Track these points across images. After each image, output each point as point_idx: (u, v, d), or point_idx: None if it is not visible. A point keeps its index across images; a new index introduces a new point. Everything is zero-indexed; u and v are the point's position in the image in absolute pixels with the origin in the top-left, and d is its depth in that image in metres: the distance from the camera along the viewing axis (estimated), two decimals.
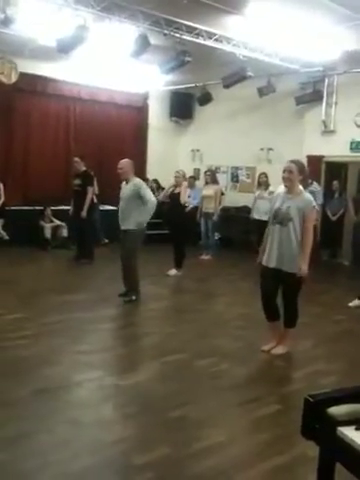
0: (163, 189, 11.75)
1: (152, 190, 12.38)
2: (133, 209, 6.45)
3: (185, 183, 9.76)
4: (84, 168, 9.13)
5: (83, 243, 9.11)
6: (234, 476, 2.89)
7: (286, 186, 4.68)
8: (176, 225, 8.40)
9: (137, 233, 6.51)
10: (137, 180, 6.66)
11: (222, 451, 3.14)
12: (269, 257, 4.74)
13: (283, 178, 4.67)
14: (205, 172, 10.84)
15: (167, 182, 12.00)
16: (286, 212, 4.60)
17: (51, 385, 3.95)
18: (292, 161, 4.70)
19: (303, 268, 4.59)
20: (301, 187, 4.77)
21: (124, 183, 6.68)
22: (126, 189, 6.58)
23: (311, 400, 2.12)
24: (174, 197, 8.46)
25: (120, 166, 6.61)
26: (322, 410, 2.07)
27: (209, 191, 10.09)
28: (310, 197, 4.79)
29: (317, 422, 2.10)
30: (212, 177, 10.38)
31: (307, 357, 4.94)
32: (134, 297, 6.57)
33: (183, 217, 8.32)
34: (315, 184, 9.06)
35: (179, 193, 8.33)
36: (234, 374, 4.41)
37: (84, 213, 8.88)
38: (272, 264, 4.71)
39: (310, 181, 8.84)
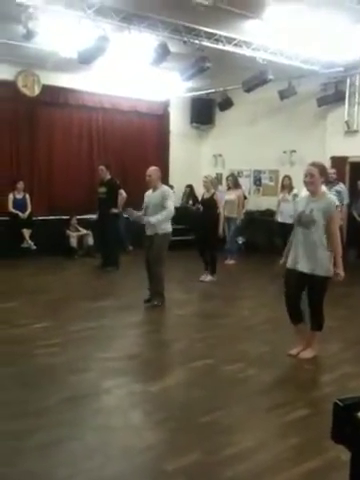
0: (195, 196, 11.90)
1: (185, 195, 12.57)
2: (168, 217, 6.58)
3: (220, 188, 9.90)
4: (109, 176, 9.22)
5: (108, 251, 9.18)
6: None
7: (309, 190, 4.66)
8: (207, 230, 8.38)
9: (164, 238, 6.57)
10: (165, 188, 6.74)
11: (252, 456, 3.13)
12: (294, 260, 4.72)
13: (305, 182, 4.65)
14: (227, 177, 10.85)
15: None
16: (309, 215, 4.58)
17: (80, 392, 3.99)
18: (312, 164, 4.68)
19: (340, 273, 4.57)
20: (324, 188, 4.74)
21: (151, 191, 6.72)
22: (153, 197, 6.64)
23: (340, 404, 2.10)
24: (204, 202, 8.49)
25: (148, 173, 6.69)
26: (352, 414, 2.05)
27: (231, 196, 10.09)
28: (333, 197, 4.77)
29: (348, 426, 2.08)
30: (234, 182, 10.38)
31: (335, 360, 4.88)
32: (157, 302, 6.62)
33: (214, 222, 8.31)
34: (341, 184, 8.99)
35: (210, 198, 8.35)
36: (262, 379, 4.38)
37: (116, 210, 9.04)
38: (296, 267, 4.69)
39: (336, 181, 8.78)
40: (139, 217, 6.73)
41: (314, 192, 4.63)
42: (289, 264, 4.78)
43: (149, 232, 6.64)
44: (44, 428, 3.40)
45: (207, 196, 8.45)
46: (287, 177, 9.94)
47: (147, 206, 6.72)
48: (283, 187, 10.08)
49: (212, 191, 8.41)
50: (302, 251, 4.65)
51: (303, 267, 4.64)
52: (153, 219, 6.49)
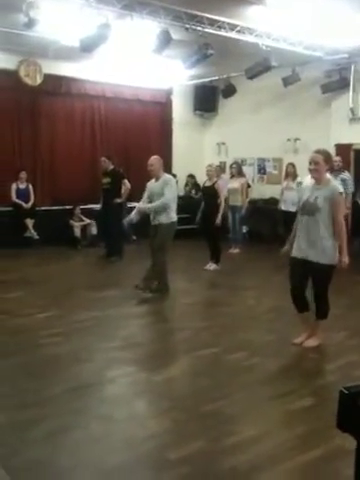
0: (198, 184, 11.85)
1: (187, 185, 12.52)
2: (169, 204, 6.54)
3: (224, 176, 9.79)
4: (112, 166, 9.19)
5: (112, 241, 9.18)
6: (269, 470, 2.88)
7: (313, 177, 4.61)
8: (210, 219, 8.34)
9: (169, 228, 6.56)
10: (167, 177, 6.71)
11: (256, 445, 3.13)
12: (298, 248, 4.69)
13: (310, 170, 4.60)
14: (231, 165, 10.77)
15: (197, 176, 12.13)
16: (314, 203, 4.54)
17: (84, 382, 3.99)
18: (317, 151, 4.63)
19: (344, 260, 4.55)
20: (328, 175, 4.70)
21: (154, 180, 6.70)
22: (156, 186, 6.61)
23: (346, 392, 2.08)
24: (207, 191, 8.45)
25: (150, 163, 6.65)
26: (357, 402, 2.03)
27: (235, 184, 10.04)
28: (337, 185, 4.72)
29: (353, 414, 2.06)
30: (238, 170, 10.32)
31: (340, 349, 4.87)
32: (156, 290, 6.61)
33: (214, 210, 8.27)
34: (346, 172, 8.92)
35: (211, 186, 8.31)
36: (266, 368, 4.38)
37: (119, 199, 9.07)
38: (301, 255, 4.66)
39: (341, 169, 8.71)
40: (137, 211, 6.71)
41: (318, 180, 4.58)
42: (293, 253, 4.75)
43: (154, 222, 6.63)
44: (49, 417, 3.41)
45: (208, 184, 8.41)
46: (291, 165, 9.88)
47: (150, 195, 6.70)
48: (287, 175, 10.02)
49: (214, 179, 8.36)
50: (306, 239, 4.62)
51: (307, 255, 4.62)
52: (148, 205, 6.48)
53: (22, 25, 6.94)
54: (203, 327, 5.49)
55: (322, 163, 4.54)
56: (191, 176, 12.52)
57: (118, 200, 9.07)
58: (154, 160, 6.68)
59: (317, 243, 4.56)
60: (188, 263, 8.51)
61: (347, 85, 10.11)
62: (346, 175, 8.80)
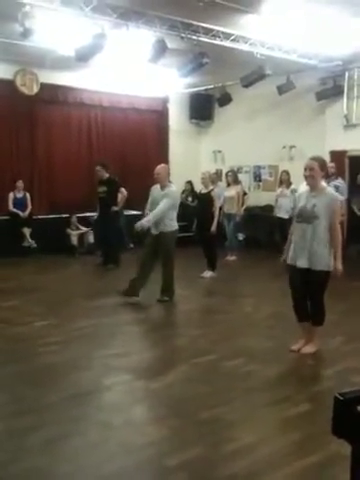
0: (195, 192, 11.87)
1: (184, 192, 12.56)
2: (166, 216, 6.61)
3: (220, 184, 9.82)
4: (107, 175, 9.20)
5: (109, 249, 9.19)
6: (267, 476, 2.88)
7: (309, 184, 4.64)
8: (206, 226, 8.36)
9: (171, 237, 6.65)
10: (170, 190, 6.72)
11: (254, 451, 3.14)
12: (296, 256, 4.71)
13: (305, 176, 4.63)
14: (227, 173, 10.84)
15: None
16: (312, 210, 4.56)
17: (82, 390, 4.00)
18: (313, 158, 4.67)
19: (338, 267, 4.57)
20: (324, 183, 4.74)
21: (158, 187, 6.73)
22: (160, 196, 6.66)
23: (341, 398, 2.10)
24: (202, 198, 8.49)
25: (157, 171, 6.73)
26: (353, 408, 2.05)
27: (231, 192, 10.08)
28: (334, 193, 4.76)
29: (348, 420, 2.08)
30: (234, 178, 10.37)
31: (337, 355, 4.88)
32: (167, 298, 6.71)
33: (209, 218, 8.29)
34: (340, 179, 8.96)
35: (207, 194, 8.34)
36: (264, 374, 4.39)
37: (116, 208, 9.12)
38: (299, 263, 4.68)
39: (335, 176, 8.75)
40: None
41: (313, 186, 4.61)
42: (290, 260, 4.77)
43: (154, 231, 6.67)
44: (47, 425, 3.42)
45: (204, 192, 8.44)
46: (285, 172, 9.94)
47: (152, 202, 6.74)
48: (281, 182, 10.08)
49: (210, 187, 8.39)
50: (302, 246, 4.64)
51: (303, 263, 4.64)
52: (145, 222, 6.54)
53: (18, 35, 6.98)
54: (200, 334, 5.50)
55: (317, 169, 4.58)
56: (189, 182, 12.56)
57: (115, 208, 9.09)
58: (161, 169, 6.76)
59: (313, 250, 4.58)
60: (185, 270, 8.50)
61: (341, 92, 10.20)
62: (339, 182, 8.85)
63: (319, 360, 4.81)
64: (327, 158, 10.14)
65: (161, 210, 6.54)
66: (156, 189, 6.81)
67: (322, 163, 4.66)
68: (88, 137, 11.71)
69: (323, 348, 4.94)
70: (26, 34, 6.78)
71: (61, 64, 9.69)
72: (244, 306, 6.83)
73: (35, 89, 10.42)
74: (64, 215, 10.64)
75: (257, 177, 12.32)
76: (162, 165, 6.86)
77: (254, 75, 9.45)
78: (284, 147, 11.34)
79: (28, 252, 9.88)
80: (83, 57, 7.72)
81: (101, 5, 6.84)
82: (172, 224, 6.70)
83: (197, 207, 8.72)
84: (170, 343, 5.37)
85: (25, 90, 10.33)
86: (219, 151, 12.97)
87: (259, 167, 12.21)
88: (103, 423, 3.48)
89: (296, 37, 8.25)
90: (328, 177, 8.32)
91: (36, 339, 5.18)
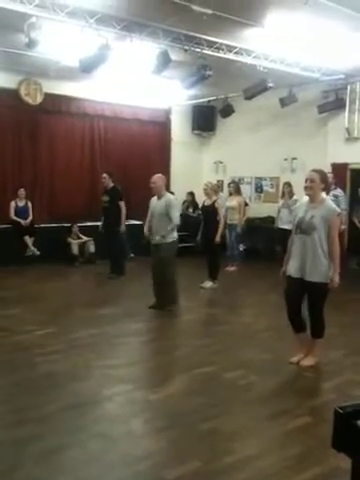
0: (196, 203, 11.91)
1: (185, 202, 12.57)
2: (166, 225, 6.64)
3: (222, 194, 9.83)
4: (112, 184, 9.22)
5: (111, 259, 9.21)
6: None
7: (308, 195, 4.67)
8: (208, 238, 8.37)
9: (171, 247, 6.69)
10: (170, 197, 6.79)
11: (253, 464, 3.13)
12: (293, 267, 4.73)
13: (305, 188, 4.66)
14: (229, 184, 10.89)
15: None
16: (310, 222, 4.59)
17: (81, 400, 3.99)
18: (314, 170, 4.70)
19: (335, 280, 4.57)
20: (324, 195, 4.75)
21: (156, 198, 6.77)
22: (158, 205, 6.70)
23: (341, 412, 2.10)
24: (205, 209, 8.50)
25: (153, 181, 6.74)
26: (353, 422, 2.05)
27: (232, 202, 10.12)
28: (333, 204, 4.78)
29: (348, 434, 2.08)
30: (236, 188, 10.42)
31: (337, 368, 4.88)
32: (171, 308, 6.73)
33: (215, 229, 8.31)
34: (339, 189, 8.94)
35: (211, 205, 8.35)
36: (264, 386, 4.38)
37: (123, 227, 9.07)
38: (297, 274, 4.69)
39: (333, 186, 8.74)
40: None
41: (313, 198, 4.64)
42: (288, 271, 4.78)
43: (155, 241, 6.71)
44: (46, 435, 3.41)
45: (208, 203, 8.46)
46: (287, 184, 9.96)
47: (152, 214, 6.77)
48: (283, 194, 10.10)
49: (214, 198, 8.42)
50: (301, 258, 4.65)
51: (302, 274, 4.65)
52: (159, 237, 6.64)
53: (23, 45, 7.04)
54: (200, 345, 5.49)
55: (318, 181, 4.60)
56: (191, 194, 12.59)
57: (120, 229, 9.05)
58: (157, 178, 6.77)
59: (312, 262, 4.59)
60: (186, 281, 8.50)
61: (343, 105, 10.25)
62: (338, 191, 8.82)
63: (319, 373, 4.80)
64: (328, 170, 10.21)
65: (177, 222, 6.68)
66: (154, 200, 6.85)
67: (323, 176, 4.68)
68: (91, 147, 11.76)
69: (323, 361, 4.93)
70: (31, 45, 6.83)
71: (65, 74, 9.77)
72: (244, 317, 6.83)
73: (39, 99, 10.49)
74: (65, 224, 10.66)
75: (258, 188, 12.36)
76: (158, 175, 6.85)
77: (257, 87, 9.51)
78: (286, 159, 11.39)
79: (29, 260, 9.88)
80: (87, 68, 7.78)
81: (105, 17, 6.91)
82: (172, 235, 6.73)
83: (202, 218, 8.70)
84: (170, 354, 5.35)
85: (29, 100, 10.40)
86: (221, 162, 13.02)
87: (260, 178, 12.25)
88: (102, 434, 3.47)
89: (299, 50, 8.31)
90: (330, 190, 8.33)
91: (36, 348, 5.17)
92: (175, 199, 7.03)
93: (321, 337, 4.80)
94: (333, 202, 8.19)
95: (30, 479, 2.90)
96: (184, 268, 9.05)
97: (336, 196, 8.54)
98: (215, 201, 8.37)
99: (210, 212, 8.36)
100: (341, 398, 3.93)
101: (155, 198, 6.82)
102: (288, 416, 3.79)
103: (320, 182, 4.61)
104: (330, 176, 8.66)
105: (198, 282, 8.41)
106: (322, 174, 4.68)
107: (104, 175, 9.32)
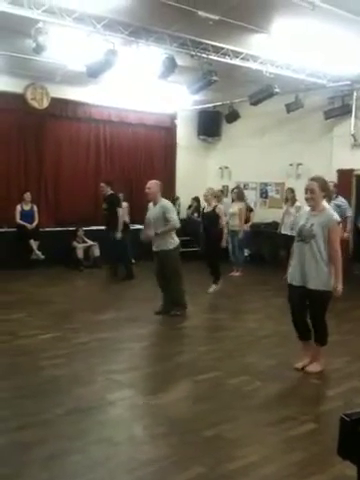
0: (201, 208, 11.77)
1: (190, 207, 12.55)
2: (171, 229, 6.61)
3: (225, 200, 9.77)
4: (111, 192, 9.25)
5: (113, 263, 9.28)
6: None
7: (310, 206, 4.64)
8: (210, 245, 8.38)
9: (174, 253, 6.67)
10: (165, 202, 6.74)
11: (257, 471, 3.11)
12: (294, 275, 4.71)
13: (306, 199, 4.63)
14: (232, 190, 10.88)
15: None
16: (309, 229, 4.57)
17: (84, 404, 3.98)
18: (313, 179, 4.64)
19: (338, 288, 4.54)
20: (325, 203, 4.71)
21: (152, 204, 6.75)
22: (154, 211, 6.67)
23: (347, 419, 2.08)
24: (206, 215, 8.49)
25: (148, 186, 6.70)
26: (358, 429, 2.03)
27: (234, 208, 10.08)
28: (333, 212, 4.72)
29: (354, 441, 2.06)
30: (238, 194, 10.34)
31: (341, 375, 4.85)
32: (179, 312, 6.74)
33: (217, 236, 8.28)
34: (341, 197, 8.75)
35: (211, 211, 8.33)
36: (268, 392, 4.36)
37: (119, 234, 9.06)
38: (296, 282, 4.67)
39: (335, 195, 8.61)
40: (146, 235, 6.81)
41: (314, 207, 4.61)
42: (290, 279, 4.76)
43: (155, 248, 6.70)
44: (49, 440, 3.40)
45: (208, 210, 8.41)
46: (289, 190, 9.93)
47: (149, 220, 6.74)
48: (286, 200, 10.08)
49: (214, 204, 8.37)
50: (302, 265, 4.63)
51: (304, 282, 4.63)
52: (156, 232, 6.57)
53: (30, 50, 7.07)
54: (205, 351, 5.48)
55: (318, 191, 4.54)
56: (196, 199, 12.58)
57: (117, 236, 9.06)
58: (152, 184, 6.70)
59: (312, 269, 4.56)
60: (190, 286, 8.46)
61: (349, 111, 10.24)
62: (340, 200, 8.60)
63: (323, 380, 4.77)
64: (334, 177, 10.20)
65: (176, 223, 6.64)
66: (150, 207, 6.81)
67: (323, 184, 4.61)
68: (96, 152, 11.79)
69: (328, 368, 4.91)
70: (38, 50, 6.86)
71: (71, 79, 9.82)
72: (248, 323, 6.81)
73: (45, 103, 10.54)
74: (70, 228, 10.67)
75: (263, 194, 12.35)
76: (154, 180, 6.78)
77: (263, 93, 9.52)
78: (291, 165, 11.38)
79: (35, 264, 9.90)
80: (94, 73, 7.81)
81: (112, 22, 6.94)
82: (173, 241, 6.68)
83: (203, 224, 8.71)
84: (174, 359, 5.34)
85: (35, 104, 10.44)
86: (226, 167, 13.02)
87: (266, 184, 12.25)
88: (105, 440, 3.45)
89: (305, 56, 8.32)
90: (331, 199, 8.22)
91: (40, 352, 5.17)
92: (170, 204, 6.92)
93: (325, 344, 4.78)
94: (336, 211, 8.15)
95: None
96: (188, 273, 9.04)
97: (338, 205, 8.36)
98: (215, 207, 8.33)
99: (211, 218, 8.33)
100: (346, 405, 3.91)
101: (151, 205, 6.77)
102: (292, 423, 3.77)
103: (320, 191, 4.55)
104: (331, 184, 8.59)
105: (202, 287, 8.40)
106: (321, 182, 4.61)
107: (102, 184, 9.42)
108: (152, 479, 3.02)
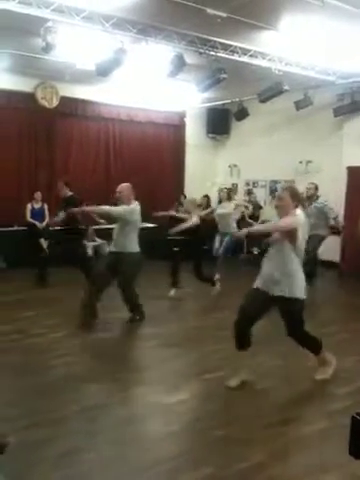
0: (210, 206, 11.39)
1: (200, 206, 12.44)
2: (121, 232, 6.32)
3: (237, 198, 9.28)
4: (70, 193, 8.85)
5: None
6: None
7: (278, 214, 4.51)
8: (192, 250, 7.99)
9: (134, 257, 6.27)
10: (132, 207, 6.37)
11: (267, 471, 3.11)
12: (261, 281, 4.58)
13: (275, 206, 4.55)
14: (220, 189, 10.25)
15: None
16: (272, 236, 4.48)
17: (95, 403, 4.00)
18: (285, 188, 4.55)
19: (243, 231, 4.50)
20: (298, 211, 4.48)
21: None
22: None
23: (359, 418, 2.07)
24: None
25: (119, 190, 6.36)
26: None
27: (223, 210, 9.25)
28: (296, 213, 4.45)
29: None
30: (227, 195, 9.47)
31: (351, 374, 4.83)
32: (138, 317, 6.48)
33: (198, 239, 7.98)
34: (320, 199, 8.35)
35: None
36: (277, 392, 4.36)
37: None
38: (263, 287, 4.54)
39: (315, 197, 8.34)
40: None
41: (281, 215, 4.48)
42: (257, 284, 4.62)
43: (115, 248, 6.36)
44: (60, 438, 3.43)
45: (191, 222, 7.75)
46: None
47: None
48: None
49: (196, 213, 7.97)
50: (268, 272, 4.52)
51: (266, 288, 4.52)
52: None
53: (40, 49, 7.09)
54: (212, 350, 5.47)
55: (288, 200, 4.41)
56: (205, 197, 12.51)
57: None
58: (124, 187, 6.39)
59: (276, 276, 4.43)
60: (198, 285, 8.49)
61: (359, 108, 10.17)
62: (320, 202, 8.28)
63: (333, 379, 4.74)
64: (344, 174, 10.15)
65: (112, 210, 6.31)
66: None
67: (294, 193, 4.48)
68: (105, 150, 11.81)
69: (337, 367, 4.87)
70: (47, 49, 6.88)
71: (81, 78, 9.83)
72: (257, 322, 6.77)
73: (55, 102, 10.57)
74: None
75: (273, 191, 12.30)
76: (126, 184, 6.45)
77: (272, 91, 9.47)
78: (300, 162, 11.33)
79: (45, 263, 9.91)
80: (103, 72, 7.82)
81: (121, 21, 6.94)
82: (133, 246, 6.29)
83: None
84: (183, 359, 5.34)
85: (45, 103, 10.48)
86: (235, 165, 13.00)
87: (275, 182, 12.20)
88: (115, 438, 3.47)
89: (314, 53, 8.27)
90: (308, 198, 8.09)
91: (51, 351, 5.20)
92: (135, 208, 6.47)
93: (319, 353, 4.64)
94: (319, 216, 7.96)
95: None
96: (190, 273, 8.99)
97: (318, 207, 8.13)
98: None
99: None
100: (356, 404, 3.90)
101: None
102: (302, 422, 3.77)
103: (291, 200, 4.42)
104: (312, 187, 8.39)
105: (207, 286, 8.34)
106: (292, 191, 4.48)
107: (59, 184, 8.87)
108: (163, 478, 3.04)
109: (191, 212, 7.99)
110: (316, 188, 8.41)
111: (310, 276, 6.91)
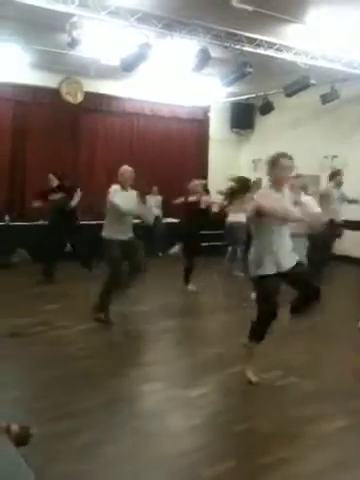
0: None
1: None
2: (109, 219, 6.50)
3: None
4: (56, 182, 8.88)
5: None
6: None
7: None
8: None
9: (106, 241, 6.31)
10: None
11: (289, 467, 3.09)
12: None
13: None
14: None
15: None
16: None
17: (118, 396, 4.03)
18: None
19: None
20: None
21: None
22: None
23: None
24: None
25: (121, 172, 6.63)
26: None
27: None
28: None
29: None
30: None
31: None
32: (98, 317, 6.11)
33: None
34: (302, 194, 8.05)
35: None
36: (301, 387, 4.32)
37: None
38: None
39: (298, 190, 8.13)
40: None
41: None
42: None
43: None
44: (83, 431, 3.45)
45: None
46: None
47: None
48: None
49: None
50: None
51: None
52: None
53: (65, 45, 7.15)
54: (236, 344, 5.44)
55: None
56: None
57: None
58: (127, 171, 6.62)
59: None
60: (219, 280, 8.50)
61: None
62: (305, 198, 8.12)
63: (358, 375, 4.69)
64: None
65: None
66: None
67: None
68: (130, 145, 11.86)
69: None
70: (73, 44, 6.93)
71: (105, 73, 9.88)
72: (281, 316, 6.72)
73: (79, 98, 10.65)
74: (102, 221, 10.73)
75: None
76: (129, 169, 6.66)
77: (298, 84, 9.37)
78: (326, 157, 11.18)
79: (68, 257, 10.00)
80: (128, 67, 7.83)
81: (146, 15, 6.94)
82: (105, 230, 6.47)
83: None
84: (206, 352, 5.33)
85: (70, 98, 10.56)
86: (259, 160, 12.88)
87: (300, 177, 12.05)
88: (138, 431, 3.49)
89: (341, 46, 8.15)
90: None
91: (74, 343, 5.25)
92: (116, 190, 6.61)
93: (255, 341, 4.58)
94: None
95: (68, 474, 2.94)
96: (215, 266, 8.97)
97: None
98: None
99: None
100: None
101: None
102: (326, 419, 3.72)
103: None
104: (296, 181, 8.16)
105: (233, 281, 8.32)
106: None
107: (50, 176, 8.86)
108: (186, 471, 3.04)
109: (199, 193, 7.97)
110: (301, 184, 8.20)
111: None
